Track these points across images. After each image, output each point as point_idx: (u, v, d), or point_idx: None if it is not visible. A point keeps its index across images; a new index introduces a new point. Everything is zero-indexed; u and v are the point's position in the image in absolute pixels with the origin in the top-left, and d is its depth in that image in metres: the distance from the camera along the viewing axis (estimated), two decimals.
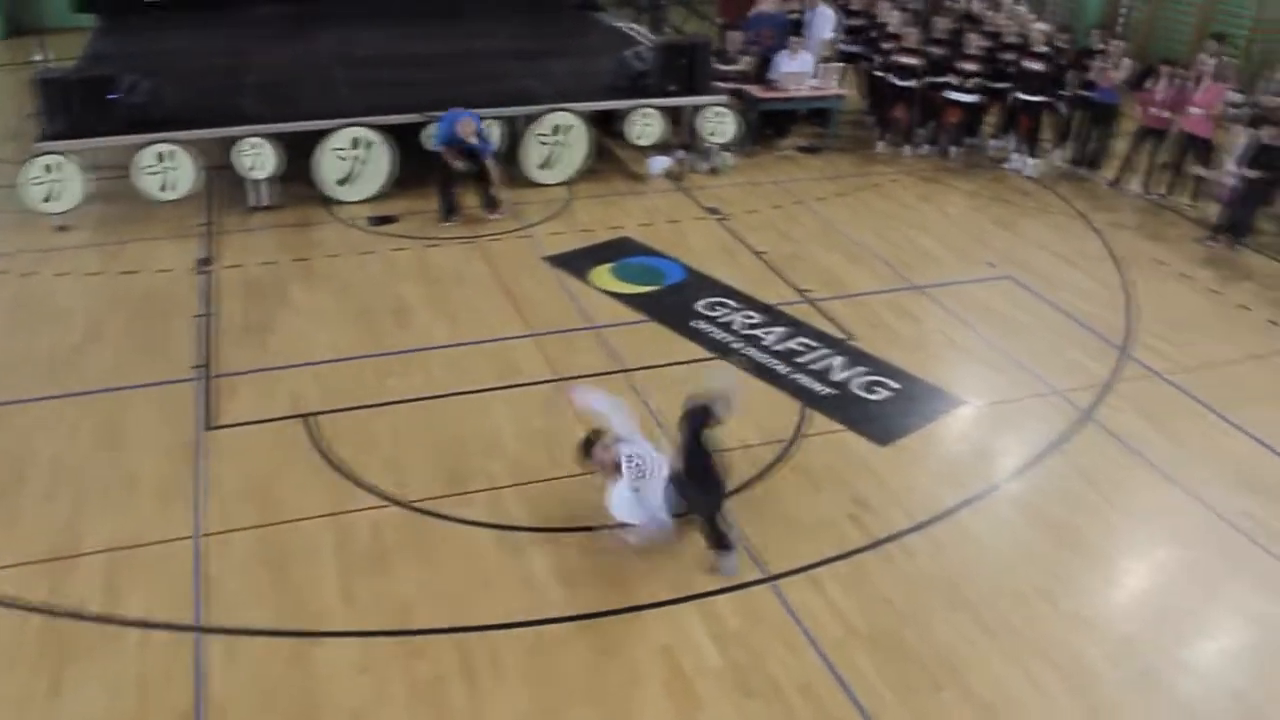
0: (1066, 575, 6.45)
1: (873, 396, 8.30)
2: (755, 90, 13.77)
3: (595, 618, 5.99)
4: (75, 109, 10.71)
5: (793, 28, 14.47)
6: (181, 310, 9.30)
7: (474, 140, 11.00)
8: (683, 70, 12.70)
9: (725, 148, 13.16)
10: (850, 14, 15.44)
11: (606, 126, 13.10)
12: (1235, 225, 11.38)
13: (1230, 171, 11.25)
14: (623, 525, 6.34)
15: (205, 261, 10.23)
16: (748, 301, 9.70)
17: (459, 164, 11.06)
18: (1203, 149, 12.15)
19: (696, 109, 12.86)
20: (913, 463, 7.55)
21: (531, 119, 11.99)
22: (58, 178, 10.63)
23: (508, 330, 9.10)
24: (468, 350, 8.77)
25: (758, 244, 11.03)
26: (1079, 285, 10.37)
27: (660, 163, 12.93)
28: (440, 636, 5.82)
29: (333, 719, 5.31)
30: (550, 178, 12.33)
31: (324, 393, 8.09)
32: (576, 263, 10.39)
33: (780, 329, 9.23)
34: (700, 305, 9.58)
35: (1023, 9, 15.02)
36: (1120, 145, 13.26)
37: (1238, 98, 12.74)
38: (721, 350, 8.77)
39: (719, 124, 12.90)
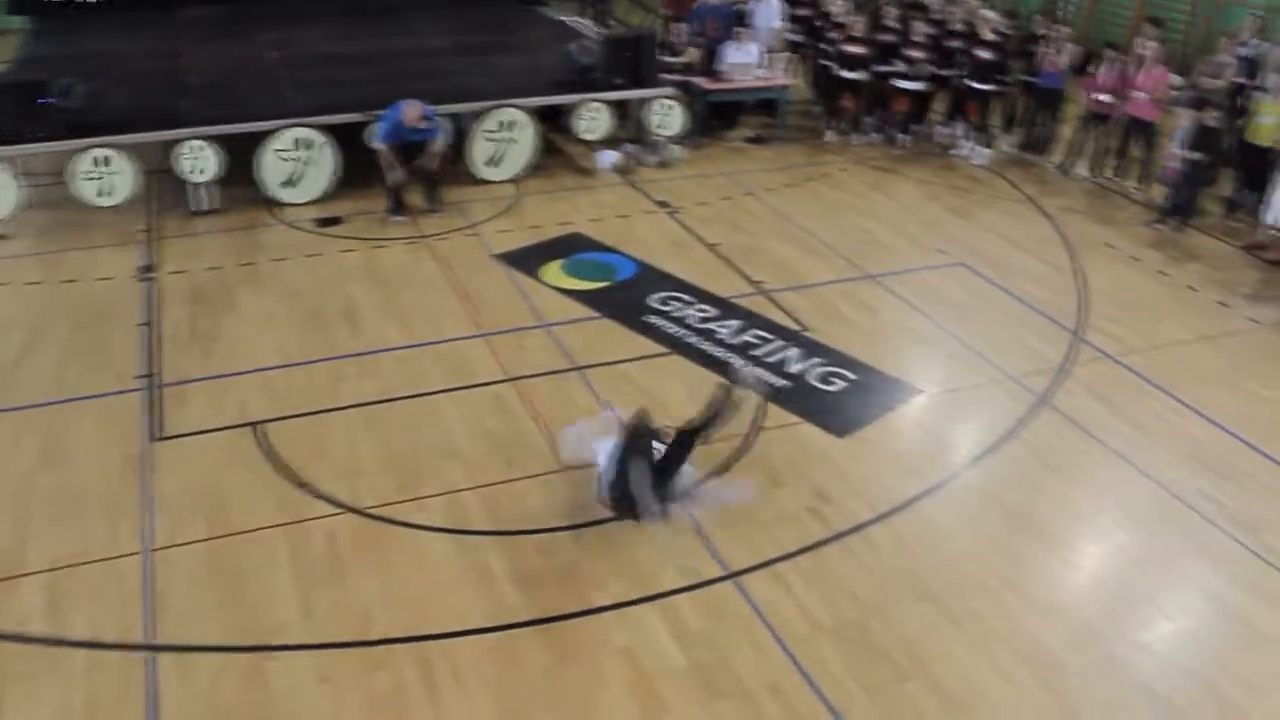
0: (1028, 561, 6.46)
1: (829, 388, 8.27)
2: (702, 82, 13.72)
3: (555, 621, 5.91)
4: (7, 114, 10.42)
5: (738, 18, 14.44)
6: (124, 319, 9.08)
7: (423, 125, 10.83)
8: (628, 63, 12.66)
9: (673, 140, 13.10)
10: (795, 3, 15.41)
11: (553, 122, 12.97)
12: (1180, 207, 11.50)
13: (1174, 154, 11.36)
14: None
15: (148, 268, 10.00)
16: (701, 295, 9.63)
17: (394, 174, 10.89)
18: (1148, 132, 12.26)
19: (643, 102, 12.81)
20: (872, 453, 7.53)
21: (478, 116, 11.86)
22: None
23: (459, 330, 8.98)
24: (419, 352, 8.64)
25: (709, 236, 10.97)
26: (1031, 270, 10.42)
27: (608, 157, 12.84)
28: (399, 645, 5.71)
29: None
30: (498, 175, 12.20)
31: (274, 399, 7.93)
32: (527, 260, 10.28)
33: (734, 322, 9.18)
34: (653, 300, 9.50)
35: None
36: (1067, 130, 13.36)
37: (1178, 80, 12.88)
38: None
39: (666, 116, 12.85)
